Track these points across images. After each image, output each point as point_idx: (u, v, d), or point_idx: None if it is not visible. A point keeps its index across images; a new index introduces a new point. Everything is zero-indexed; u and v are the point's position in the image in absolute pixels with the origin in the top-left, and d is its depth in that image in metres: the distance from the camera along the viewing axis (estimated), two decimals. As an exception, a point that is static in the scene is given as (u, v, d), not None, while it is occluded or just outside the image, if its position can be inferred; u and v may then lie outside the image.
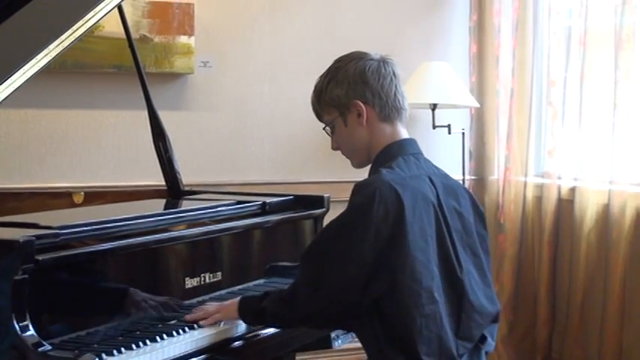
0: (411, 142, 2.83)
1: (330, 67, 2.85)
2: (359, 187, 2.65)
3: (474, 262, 2.77)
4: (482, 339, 2.78)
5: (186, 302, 2.88)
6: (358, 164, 2.89)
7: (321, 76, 2.86)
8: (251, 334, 2.89)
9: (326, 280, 2.64)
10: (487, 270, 2.82)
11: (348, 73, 2.78)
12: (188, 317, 2.80)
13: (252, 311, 2.80)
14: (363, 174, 2.84)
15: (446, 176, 2.84)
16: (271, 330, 2.93)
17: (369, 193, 2.60)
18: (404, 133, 2.83)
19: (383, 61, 2.81)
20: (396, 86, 2.79)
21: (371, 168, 2.82)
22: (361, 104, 2.76)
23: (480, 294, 2.75)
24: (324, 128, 2.88)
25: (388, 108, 2.78)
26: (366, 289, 2.60)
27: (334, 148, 2.90)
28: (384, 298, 2.60)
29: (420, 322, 2.60)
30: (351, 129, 2.80)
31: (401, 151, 2.78)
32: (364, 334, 2.71)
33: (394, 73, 2.80)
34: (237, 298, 2.84)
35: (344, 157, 2.91)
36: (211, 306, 2.86)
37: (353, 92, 2.76)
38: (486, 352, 2.80)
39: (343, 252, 2.61)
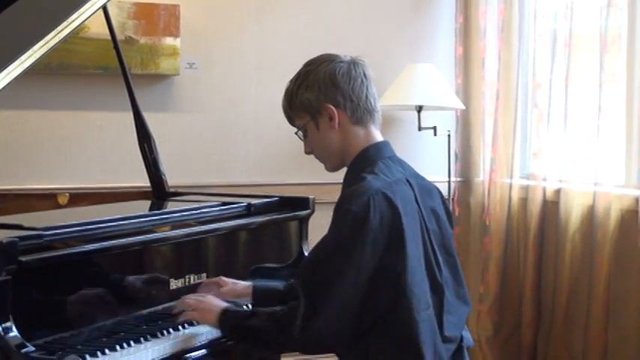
0: (386, 145, 2.81)
1: (300, 71, 2.82)
2: (349, 197, 2.61)
3: (447, 261, 2.77)
4: (460, 337, 2.78)
5: (172, 303, 2.88)
6: (332, 168, 2.86)
7: (291, 80, 2.83)
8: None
9: (326, 305, 2.56)
10: (459, 268, 2.82)
11: (318, 76, 2.75)
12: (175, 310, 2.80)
13: (234, 326, 2.73)
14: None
15: (418, 176, 2.83)
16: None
17: (363, 203, 2.56)
18: (378, 136, 2.80)
19: (353, 63, 2.78)
20: (367, 88, 2.76)
21: (347, 172, 2.80)
22: (332, 108, 2.73)
23: (453, 294, 2.75)
24: (296, 132, 2.85)
25: (360, 111, 2.75)
26: (368, 302, 2.56)
27: (307, 152, 2.87)
28: (389, 309, 2.57)
29: (423, 327, 2.59)
30: (324, 133, 2.77)
31: (378, 154, 2.76)
32: (345, 351, 2.70)
33: (365, 75, 2.77)
34: (221, 306, 2.77)
35: (328, 159, 2.90)
36: (190, 299, 2.82)
37: (324, 96, 2.73)
38: (467, 347, 2.81)
39: (343, 266, 2.55)
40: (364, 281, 2.55)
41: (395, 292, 2.56)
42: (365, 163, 2.73)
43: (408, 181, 2.73)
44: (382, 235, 2.56)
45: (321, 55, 2.83)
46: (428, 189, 2.82)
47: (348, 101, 2.73)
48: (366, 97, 2.76)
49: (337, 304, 2.56)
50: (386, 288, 2.57)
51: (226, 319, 2.73)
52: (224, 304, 2.80)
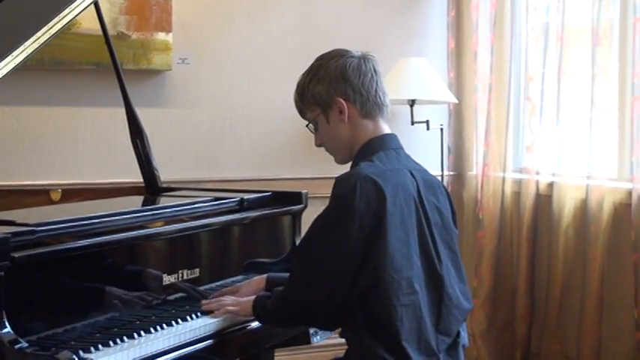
0: (392, 137, 2.87)
1: (311, 65, 2.89)
2: (339, 181, 2.69)
3: (450, 257, 2.81)
4: (457, 333, 2.81)
5: (168, 298, 2.89)
6: (341, 160, 2.93)
7: (303, 74, 2.90)
8: (229, 331, 2.89)
9: (315, 275, 2.70)
10: (462, 266, 2.86)
11: (329, 70, 2.81)
12: (204, 305, 2.91)
13: (261, 312, 2.85)
14: (340, 170, 2.85)
15: (425, 171, 2.88)
16: (250, 326, 2.93)
17: (349, 186, 2.64)
18: (385, 129, 2.87)
19: (364, 59, 2.84)
20: (376, 83, 2.83)
21: (352, 163, 2.86)
22: (342, 101, 2.80)
23: (457, 290, 2.79)
24: (307, 125, 2.91)
25: (369, 104, 2.82)
26: (354, 282, 2.64)
27: (318, 145, 2.94)
28: (369, 289, 2.63)
29: (401, 311, 2.63)
30: (334, 126, 2.84)
31: (382, 145, 2.82)
32: (345, 327, 2.75)
33: (375, 70, 2.84)
34: (254, 296, 2.90)
35: (321, 153, 2.96)
36: (228, 299, 2.93)
37: (334, 89, 2.80)
38: (463, 346, 2.83)
39: (330, 246, 2.66)
40: (349, 257, 2.64)
41: (375, 275, 2.63)
42: (367, 152, 2.80)
43: (411, 172, 2.79)
44: (368, 219, 2.63)
45: (332, 50, 2.89)
46: (432, 185, 2.86)
47: (358, 95, 2.81)
48: (376, 91, 2.83)
49: (323, 273, 2.68)
50: (367, 269, 2.63)
51: (256, 307, 2.85)
52: (255, 295, 2.93)
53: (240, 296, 3.00)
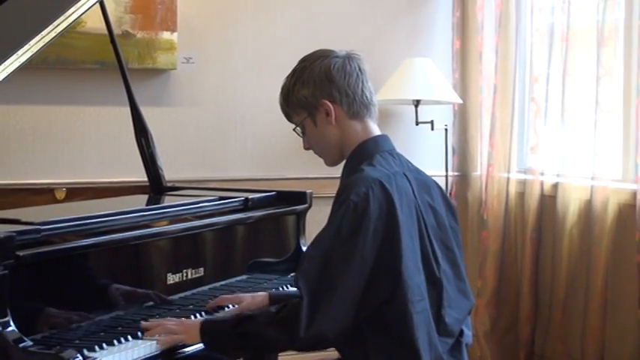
0: (384, 139, 2.82)
1: (295, 68, 2.83)
2: (350, 187, 2.61)
3: (447, 256, 2.76)
4: (460, 332, 2.77)
5: (169, 297, 2.88)
6: (331, 162, 2.87)
7: (287, 77, 2.84)
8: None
9: (331, 294, 2.54)
10: (461, 264, 2.82)
11: (313, 72, 2.76)
12: (143, 324, 2.68)
13: (222, 335, 2.67)
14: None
15: (418, 171, 2.83)
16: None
17: (363, 193, 2.57)
18: (375, 129, 2.81)
19: (348, 58, 2.78)
20: (362, 82, 2.77)
21: (345, 166, 2.81)
22: (328, 103, 2.74)
23: (454, 289, 2.75)
24: (294, 129, 2.86)
25: (356, 105, 2.75)
26: (368, 292, 2.56)
27: (306, 148, 2.89)
28: (385, 301, 2.58)
29: (417, 319, 2.58)
30: (321, 128, 2.78)
31: (376, 148, 2.77)
32: (345, 343, 2.69)
33: (360, 69, 2.78)
34: (199, 320, 2.74)
35: (323, 154, 2.91)
36: (171, 322, 2.72)
37: (319, 92, 2.74)
38: (466, 344, 2.80)
39: (346, 257, 2.55)
40: (366, 273, 2.55)
41: (392, 283, 2.56)
42: (363, 156, 2.74)
43: (405, 175, 2.74)
44: (381, 224, 2.56)
45: (316, 51, 2.84)
46: (426, 184, 2.81)
47: (344, 96, 2.74)
48: (362, 91, 2.76)
49: (342, 300, 2.55)
50: (385, 279, 2.57)
51: (210, 330, 2.67)
52: (201, 319, 2.78)
53: (243, 308, 2.91)
